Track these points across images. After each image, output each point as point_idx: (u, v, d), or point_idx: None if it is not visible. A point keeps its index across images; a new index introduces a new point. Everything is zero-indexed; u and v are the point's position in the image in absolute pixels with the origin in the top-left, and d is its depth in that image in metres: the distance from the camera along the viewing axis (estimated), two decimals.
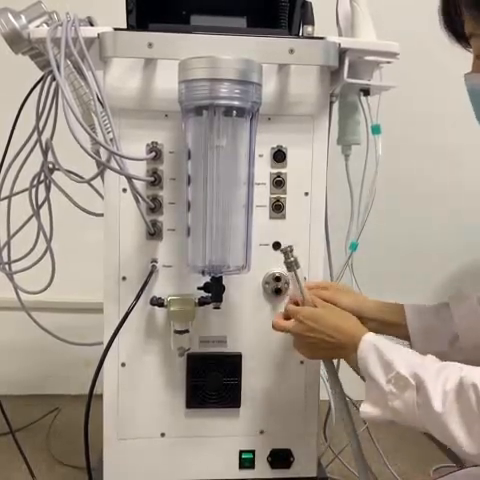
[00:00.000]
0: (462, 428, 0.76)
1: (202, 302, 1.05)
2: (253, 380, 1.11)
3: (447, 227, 1.89)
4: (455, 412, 0.77)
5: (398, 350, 0.88)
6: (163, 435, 1.11)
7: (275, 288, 1.08)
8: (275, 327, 1.01)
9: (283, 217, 1.08)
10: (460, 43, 0.92)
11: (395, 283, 1.86)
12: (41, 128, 1.11)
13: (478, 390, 0.75)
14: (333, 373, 1.04)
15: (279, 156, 1.06)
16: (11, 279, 1.24)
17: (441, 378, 0.80)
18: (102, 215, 1.07)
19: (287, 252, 0.98)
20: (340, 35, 1.13)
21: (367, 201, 1.16)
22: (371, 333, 0.91)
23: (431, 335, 1.03)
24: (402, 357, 0.86)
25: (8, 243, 1.22)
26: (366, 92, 1.14)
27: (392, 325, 1.05)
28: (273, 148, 1.06)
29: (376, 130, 1.13)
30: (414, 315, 1.04)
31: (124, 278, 1.06)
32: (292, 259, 0.99)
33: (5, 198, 1.20)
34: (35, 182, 1.16)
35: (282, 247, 1.00)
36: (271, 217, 1.08)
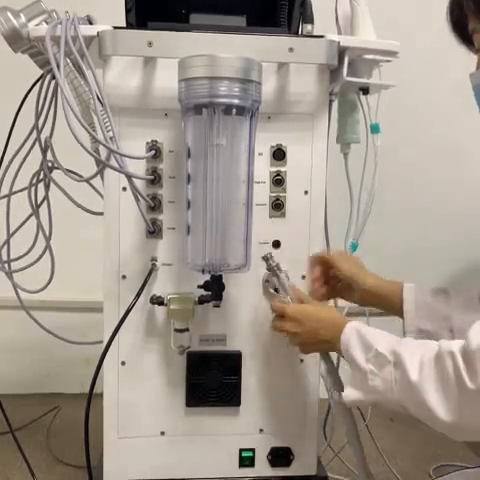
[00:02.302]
0: (438, 396, 0.76)
1: (202, 300, 1.05)
2: (253, 378, 1.11)
3: (447, 227, 1.89)
4: (432, 380, 0.77)
5: (379, 333, 0.90)
6: (163, 434, 1.11)
7: (275, 287, 1.08)
8: (274, 329, 1.04)
9: (283, 215, 1.08)
10: (466, 45, 0.94)
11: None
12: (40, 127, 1.11)
13: (455, 357, 0.75)
14: (334, 372, 1.04)
15: (279, 154, 1.06)
16: (10, 278, 1.24)
17: (419, 352, 0.81)
18: (102, 214, 1.07)
19: (268, 258, 1.03)
20: (339, 33, 1.13)
21: (366, 200, 1.17)
22: (354, 321, 0.93)
23: (424, 312, 1.04)
24: (382, 338, 0.88)
25: (7, 242, 1.22)
26: (365, 91, 1.14)
27: (387, 298, 1.07)
28: (273, 146, 1.06)
29: (375, 129, 1.13)
30: (411, 291, 1.06)
31: (124, 277, 1.06)
32: (274, 264, 1.03)
33: (4, 197, 1.20)
34: (34, 181, 1.17)
35: (263, 255, 1.03)
36: (271, 215, 1.08)
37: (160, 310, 1.07)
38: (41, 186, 1.17)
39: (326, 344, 0.96)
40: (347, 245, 1.21)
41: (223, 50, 0.95)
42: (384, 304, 1.08)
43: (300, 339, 0.99)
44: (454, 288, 1.08)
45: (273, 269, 1.03)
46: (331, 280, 1.11)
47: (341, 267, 1.07)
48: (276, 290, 1.07)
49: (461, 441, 0.82)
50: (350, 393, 0.89)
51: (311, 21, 1.10)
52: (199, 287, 1.05)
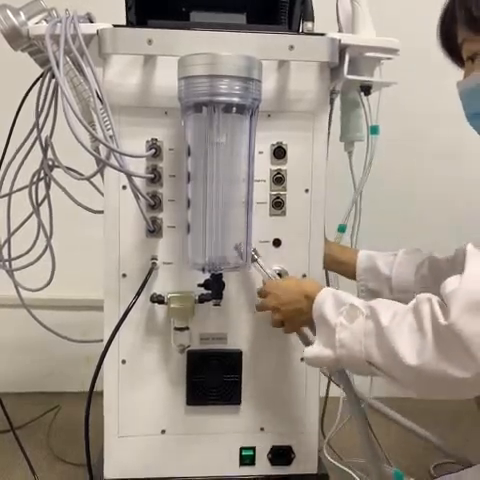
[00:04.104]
0: (408, 339, 0.77)
1: (202, 299, 1.05)
2: (253, 377, 1.11)
3: (447, 226, 1.89)
4: (404, 324, 0.78)
5: (354, 296, 0.92)
6: (163, 432, 1.11)
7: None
8: (257, 308, 1.07)
9: (283, 214, 1.08)
10: (453, 58, 0.95)
11: None
12: (41, 125, 1.11)
13: (432, 303, 0.76)
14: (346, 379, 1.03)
15: (279, 153, 1.06)
16: (11, 276, 1.24)
17: (393, 306, 0.83)
18: (102, 212, 1.07)
19: (237, 246, 1.00)
20: (340, 31, 1.13)
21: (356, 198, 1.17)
22: (331, 288, 0.95)
23: (372, 273, 1.19)
24: (356, 297, 0.90)
25: (8, 240, 1.22)
26: (366, 91, 1.13)
27: (343, 263, 1.21)
28: (273, 145, 1.06)
29: (374, 131, 1.13)
30: (363, 256, 1.21)
31: (124, 275, 1.06)
32: (250, 250, 1.03)
33: (5, 195, 1.20)
34: (35, 179, 1.16)
35: (235, 245, 1.01)
36: (271, 214, 1.08)
37: (160, 309, 1.07)
38: (42, 185, 1.17)
39: (304, 315, 0.96)
40: (353, 244, 1.22)
41: (223, 48, 0.95)
42: (343, 269, 1.22)
43: (280, 314, 1.00)
44: (408, 249, 1.20)
45: (249, 254, 1.02)
46: None
47: None
48: None
49: (423, 397, 0.80)
50: (311, 349, 0.90)
51: (312, 19, 1.09)
52: (199, 286, 1.05)
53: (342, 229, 1.22)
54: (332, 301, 0.90)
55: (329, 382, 1.30)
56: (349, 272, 1.21)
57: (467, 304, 0.72)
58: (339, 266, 1.22)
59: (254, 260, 1.04)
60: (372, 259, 1.20)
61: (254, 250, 1.04)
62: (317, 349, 0.89)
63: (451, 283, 0.76)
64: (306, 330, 1.00)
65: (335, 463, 1.25)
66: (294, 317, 0.99)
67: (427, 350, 0.75)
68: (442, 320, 0.74)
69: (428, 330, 0.75)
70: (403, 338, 0.77)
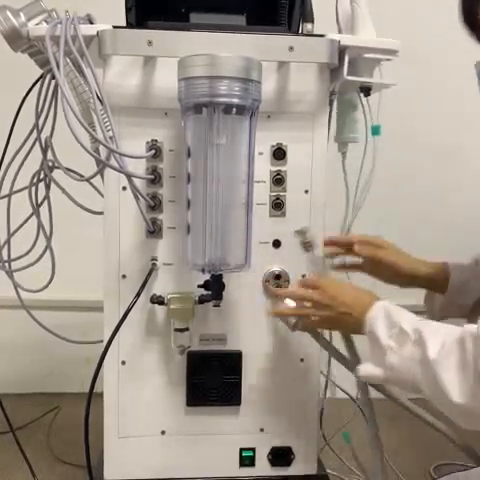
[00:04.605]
0: (454, 376, 0.76)
1: (202, 300, 1.05)
2: (253, 378, 1.11)
3: (447, 226, 1.89)
4: (450, 360, 0.77)
5: (407, 312, 0.90)
6: (163, 433, 1.11)
7: (275, 286, 1.08)
8: (294, 294, 1.03)
9: (283, 215, 1.08)
10: (476, 35, 0.93)
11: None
12: (41, 126, 1.11)
13: (477, 338, 0.75)
14: (353, 351, 1.03)
15: (279, 154, 1.06)
16: (11, 277, 1.24)
17: (442, 333, 0.82)
18: (102, 213, 1.07)
19: (304, 233, 1.01)
20: (340, 32, 1.13)
21: (358, 200, 1.17)
22: (383, 301, 0.93)
23: (465, 288, 1.10)
24: (409, 317, 0.88)
25: (8, 241, 1.22)
26: (366, 92, 1.13)
27: (437, 282, 1.12)
28: (273, 146, 1.06)
29: (376, 131, 1.13)
30: (456, 271, 1.12)
31: (124, 276, 1.06)
32: (308, 240, 1.03)
33: (5, 196, 1.20)
34: (35, 180, 1.16)
35: (298, 229, 1.02)
36: (271, 215, 1.08)
37: (160, 310, 1.07)
38: (41, 186, 1.17)
39: (352, 324, 0.93)
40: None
41: (223, 49, 0.95)
42: (422, 286, 1.14)
43: (329, 312, 0.96)
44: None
45: (308, 244, 1.04)
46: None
47: (385, 257, 1.10)
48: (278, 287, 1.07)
49: (469, 429, 0.81)
50: (365, 367, 0.90)
51: (311, 20, 1.09)
52: (199, 287, 1.05)
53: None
54: (384, 319, 0.88)
55: (327, 382, 1.30)
56: (430, 288, 1.14)
57: None
58: (432, 285, 1.13)
59: (309, 250, 1.04)
60: (464, 274, 1.12)
61: (312, 240, 1.04)
62: (369, 368, 0.89)
63: None
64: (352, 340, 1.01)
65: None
66: (341, 321, 0.95)
67: (471, 392, 0.75)
68: None
69: (472, 371, 0.75)
70: (449, 374, 0.77)
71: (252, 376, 1.11)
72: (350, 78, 1.04)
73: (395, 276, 1.11)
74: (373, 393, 1.02)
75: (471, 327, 0.78)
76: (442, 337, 0.81)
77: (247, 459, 1.13)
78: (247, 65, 0.93)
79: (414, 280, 1.11)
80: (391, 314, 0.89)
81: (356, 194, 1.19)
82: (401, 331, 0.85)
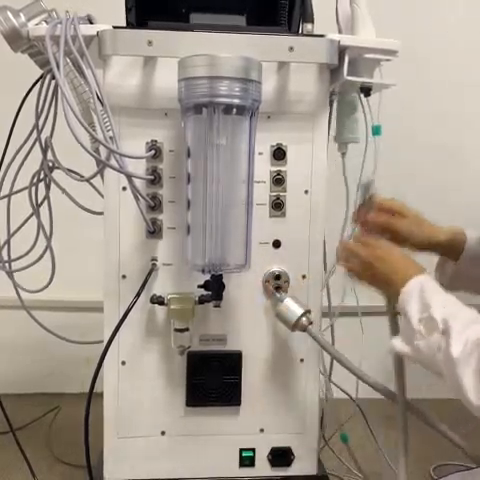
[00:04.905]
0: (472, 378, 0.77)
1: (202, 300, 1.05)
2: (253, 378, 1.11)
3: (447, 225, 1.89)
4: (471, 361, 0.78)
5: (441, 294, 0.89)
6: (163, 433, 1.11)
7: (275, 286, 1.08)
8: (345, 247, 1.02)
9: (283, 215, 1.08)
10: None
11: None
12: (41, 126, 1.11)
13: None
14: (394, 320, 1.01)
15: (279, 154, 1.06)
16: (11, 277, 1.24)
17: (469, 329, 0.81)
18: (102, 213, 1.07)
19: (368, 186, 0.99)
20: (340, 33, 1.13)
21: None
22: (425, 275, 0.92)
23: (477, 260, 1.08)
24: (442, 301, 0.87)
25: (8, 241, 1.22)
26: (366, 93, 1.13)
27: (452, 248, 1.11)
28: (273, 146, 1.06)
29: (377, 131, 1.13)
30: (472, 241, 1.10)
31: (124, 276, 1.06)
32: (371, 194, 1.01)
33: (5, 196, 1.20)
34: (35, 180, 1.17)
35: (364, 181, 1.00)
36: (271, 215, 1.08)
37: (160, 310, 1.07)
38: (42, 186, 1.17)
39: (391, 288, 0.93)
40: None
41: (223, 49, 0.95)
42: (436, 253, 1.13)
43: (370, 272, 0.96)
44: None
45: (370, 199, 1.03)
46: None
47: (401, 228, 1.07)
48: (277, 289, 1.07)
49: None
50: (398, 344, 0.90)
51: (311, 20, 1.09)
52: (199, 287, 1.05)
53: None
54: (417, 300, 0.88)
55: (329, 383, 1.30)
56: (449, 254, 1.12)
57: None
58: (428, 248, 1.11)
59: (369, 205, 1.03)
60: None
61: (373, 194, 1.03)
62: (401, 347, 0.89)
63: None
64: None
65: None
66: (382, 283, 0.95)
67: None
68: None
69: None
70: (468, 376, 0.78)
71: (252, 376, 1.11)
72: (350, 78, 1.04)
73: (409, 245, 1.08)
74: (373, 394, 1.01)
75: None
76: (467, 335, 0.81)
77: (247, 459, 1.13)
78: (247, 65, 0.93)
79: (428, 248, 1.11)
80: (425, 295, 0.87)
81: (357, 194, 1.19)
82: (430, 318, 0.85)
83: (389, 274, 0.93)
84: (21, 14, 1.02)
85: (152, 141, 1.04)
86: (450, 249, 1.11)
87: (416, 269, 0.93)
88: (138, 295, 1.03)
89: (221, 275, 1.02)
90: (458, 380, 0.79)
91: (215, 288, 1.03)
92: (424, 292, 0.88)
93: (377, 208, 1.07)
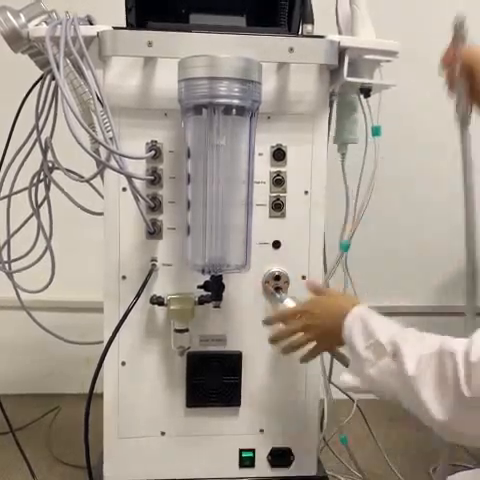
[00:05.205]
0: (433, 394, 0.75)
1: (202, 301, 1.05)
2: (253, 379, 1.11)
3: (447, 226, 1.89)
4: (429, 377, 0.76)
5: (383, 321, 0.89)
6: (163, 434, 1.11)
7: (275, 287, 1.08)
8: (284, 333, 1.02)
9: (283, 216, 1.08)
10: None
11: (394, 284, 1.86)
12: (41, 127, 1.11)
13: (455, 358, 0.74)
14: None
15: (279, 155, 1.06)
16: (11, 278, 1.24)
17: (418, 345, 0.81)
18: (102, 214, 1.07)
19: (462, 24, 0.91)
20: (340, 34, 1.13)
21: (363, 201, 1.17)
22: (360, 307, 0.91)
23: None
24: (385, 326, 0.87)
25: (8, 242, 1.22)
26: (366, 94, 1.13)
27: None
28: (273, 147, 1.06)
29: (376, 132, 1.13)
30: None
31: (124, 277, 1.06)
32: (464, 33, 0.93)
33: (5, 197, 1.20)
34: (35, 181, 1.17)
35: (456, 19, 0.91)
36: (271, 216, 1.08)
37: (160, 310, 1.07)
38: (41, 186, 1.17)
39: (334, 336, 0.93)
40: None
41: (223, 50, 0.95)
42: None
43: (313, 333, 0.98)
44: None
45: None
46: None
47: None
48: (277, 289, 1.07)
49: (451, 441, 0.81)
50: (347, 379, 0.90)
51: (311, 21, 1.10)
52: (199, 287, 1.05)
53: (345, 248, 1.18)
54: (360, 330, 0.88)
55: (329, 383, 1.30)
56: None
57: None
58: None
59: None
60: None
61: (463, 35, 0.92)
62: (352, 381, 0.89)
63: (477, 344, 0.73)
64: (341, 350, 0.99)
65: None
66: (329, 335, 0.96)
67: (452, 411, 0.74)
68: (466, 391, 0.72)
69: (452, 393, 0.74)
70: (428, 392, 0.76)
71: (252, 377, 1.11)
72: (350, 79, 1.04)
73: None
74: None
75: (449, 343, 0.77)
76: (419, 351, 0.79)
77: (247, 460, 1.13)
78: (247, 66, 0.93)
79: None
80: (367, 323, 0.88)
81: (357, 194, 1.19)
82: (377, 343, 0.84)
83: (328, 322, 0.94)
84: (21, 15, 1.02)
85: (152, 142, 1.04)
86: None
87: (350, 303, 0.94)
88: (138, 296, 1.03)
89: (221, 275, 1.02)
90: (417, 397, 0.77)
91: (215, 288, 1.03)
92: (365, 321, 0.88)
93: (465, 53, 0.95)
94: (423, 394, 0.76)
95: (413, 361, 0.79)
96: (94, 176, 1.03)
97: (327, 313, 0.96)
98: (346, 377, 0.90)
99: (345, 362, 0.98)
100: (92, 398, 0.99)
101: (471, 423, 0.74)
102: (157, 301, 1.05)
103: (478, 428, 0.74)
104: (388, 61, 1.08)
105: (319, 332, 0.98)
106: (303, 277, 1.09)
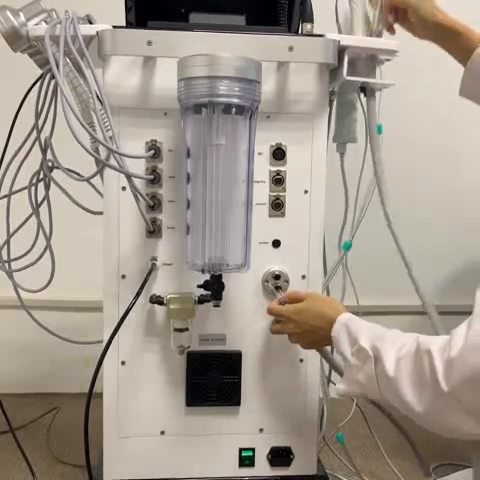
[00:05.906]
0: (412, 390, 0.78)
1: (202, 300, 1.05)
2: (253, 378, 1.11)
3: (446, 227, 1.89)
4: (407, 375, 0.79)
5: (366, 326, 0.91)
6: (163, 433, 1.11)
7: (275, 286, 1.08)
8: (273, 332, 1.06)
9: (282, 215, 1.08)
10: None
11: (393, 283, 1.85)
12: (40, 126, 1.11)
13: (432, 356, 0.76)
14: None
15: (278, 154, 1.06)
16: (11, 277, 1.24)
17: (396, 345, 0.83)
18: (101, 213, 1.07)
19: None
20: (340, 33, 1.13)
21: (364, 200, 1.17)
22: (346, 314, 0.94)
23: None
24: (367, 331, 0.89)
25: (8, 241, 1.22)
26: (370, 93, 1.13)
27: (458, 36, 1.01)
28: (272, 146, 1.06)
29: (378, 130, 1.13)
30: None
31: (124, 276, 1.06)
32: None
33: (5, 196, 1.20)
34: (34, 180, 1.16)
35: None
36: (270, 215, 1.08)
37: (160, 310, 1.07)
38: (41, 186, 1.17)
39: (325, 341, 0.97)
40: (341, 244, 1.21)
41: (223, 49, 0.95)
42: (450, 42, 1.02)
43: (301, 339, 1.01)
44: None
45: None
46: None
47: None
48: (277, 288, 1.07)
49: (437, 433, 0.83)
50: (342, 387, 0.92)
51: (311, 20, 1.09)
52: (199, 287, 1.05)
53: (347, 247, 1.19)
54: (346, 337, 0.91)
55: (328, 383, 1.30)
56: (459, 50, 1.00)
57: (468, 378, 0.72)
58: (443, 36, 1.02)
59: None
60: None
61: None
62: (344, 388, 0.91)
63: (459, 341, 0.74)
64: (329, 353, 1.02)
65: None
66: (316, 343, 1.01)
67: (430, 403, 0.76)
68: (444, 386, 0.74)
69: (430, 388, 0.76)
70: (407, 389, 0.79)
71: (252, 376, 1.11)
72: (350, 78, 1.04)
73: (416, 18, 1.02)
74: None
75: (425, 342, 0.79)
76: (397, 352, 0.82)
77: (247, 459, 1.13)
78: (246, 65, 0.93)
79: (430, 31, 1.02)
80: (351, 330, 0.90)
81: (357, 194, 1.19)
82: (360, 348, 0.87)
83: (315, 332, 0.97)
84: (21, 14, 1.02)
85: (152, 141, 1.04)
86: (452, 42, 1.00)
87: (333, 309, 0.96)
88: (138, 295, 1.03)
89: (221, 275, 1.02)
90: (399, 396, 0.79)
91: (215, 288, 1.03)
92: (350, 327, 0.91)
93: None
94: (403, 392, 0.79)
95: (392, 363, 0.82)
96: (94, 175, 1.03)
97: (310, 326, 0.98)
98: (341, 386, 0.92)
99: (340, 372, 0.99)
100: (92, 398, 0.99)
101: (449, 417, 0.76)
102: (157, 300, 1.05)
103: (456, 421, 0.76)
104: (388, 60, 1.08)
105: (306, 341, 1.01)
106: (303, 276, 1.09)
